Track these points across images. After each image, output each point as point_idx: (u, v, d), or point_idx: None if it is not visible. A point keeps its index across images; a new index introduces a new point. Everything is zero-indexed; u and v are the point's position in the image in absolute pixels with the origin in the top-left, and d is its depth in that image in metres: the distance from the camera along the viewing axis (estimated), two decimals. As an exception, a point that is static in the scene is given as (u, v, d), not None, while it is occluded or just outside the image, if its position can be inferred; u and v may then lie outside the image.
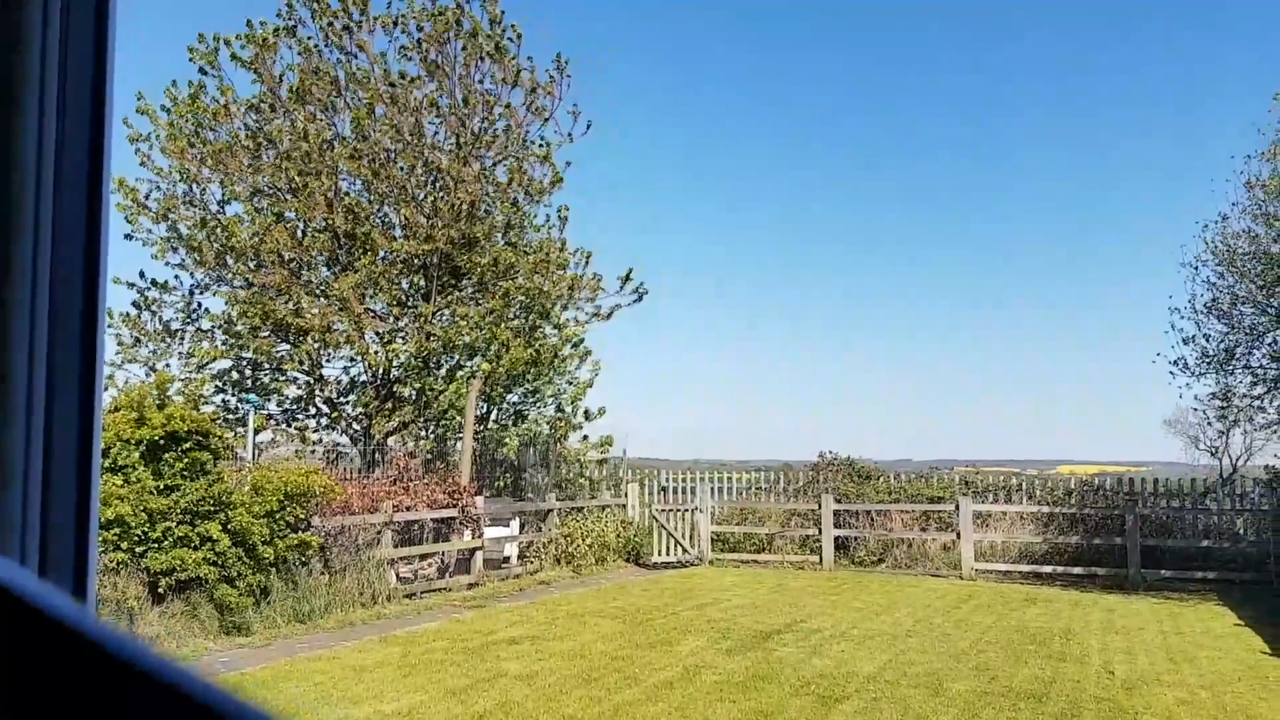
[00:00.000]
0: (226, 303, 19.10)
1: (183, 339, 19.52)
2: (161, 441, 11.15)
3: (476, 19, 18.98)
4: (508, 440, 20.20)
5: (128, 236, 18.58)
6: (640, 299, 20.67)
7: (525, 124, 19.46)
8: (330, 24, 18.47)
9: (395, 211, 19.09)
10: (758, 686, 9.02)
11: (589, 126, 19.68)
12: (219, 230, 18.32)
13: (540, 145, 19.77)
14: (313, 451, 20.25)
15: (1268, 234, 17.50)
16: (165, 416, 11.23)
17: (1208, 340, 18.98)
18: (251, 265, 18.33)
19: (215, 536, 11.25)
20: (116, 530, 10.56)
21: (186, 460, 11.32)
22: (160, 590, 10.90)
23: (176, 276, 19.52)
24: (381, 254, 18.92)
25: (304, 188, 18.07)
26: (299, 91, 18.27)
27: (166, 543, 10.94)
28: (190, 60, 18.44)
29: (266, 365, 19.65)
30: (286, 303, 18.17)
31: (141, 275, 19.45)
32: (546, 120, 19.58)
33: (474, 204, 18.86)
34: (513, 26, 19.08)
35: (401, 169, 18.85)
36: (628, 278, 20.58)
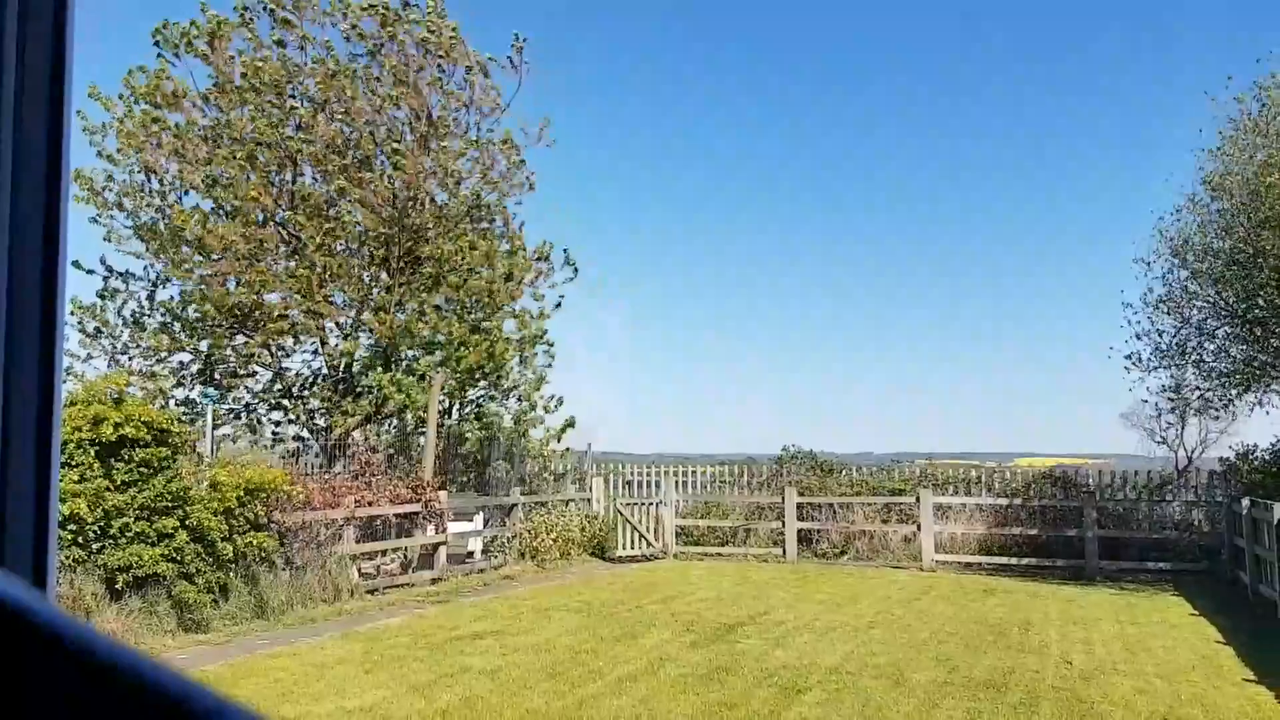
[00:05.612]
0: (181, 293, 18.83)
1: (143, 331, 19.21)
2: (117, 438, 10.97)
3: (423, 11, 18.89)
4: (469, 434, 20.08)
5: (93, 220, 18.23)
6: (576, 274, 21.15)
7: (479, 106, 19.36)
8: (277, 14, 18.28)
9: (349, 198, 18.88)
10: (721, 679, 9.06)
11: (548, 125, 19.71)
12: (175, 219, 18.03)
13: (503, 140, 19.65)
14: (273, 446, 20.02)
15: (1215, 229, 17.71)
16: (122, 412, 11.05)
17: (1160, 335, 19.22)
18: (205, 255, 18.06)
19: (173, 533, 11.10)
20: (72, 527, 10.39)
21: (143, 456, 11.14)
22: (118, 587, 10.73)
23: (146, 268, 19.24)
24: (340, 244, 18.73)
25: (259, 175, 17.86)
26: (251, 80, 18.04)
27: (124, 539, 10.77)
28: (153, 46, 18.17)
29: (227, 357, 19.38)
30: (244, 293, 17.95)
31: (103, 262, 19.12)
32: (505, 109, 19.51)
33: (422, 194, 18.77)
34: (453, 27, 18.95)
35: (356, 155, 18.65)
36: (566, 259, 21.20)
